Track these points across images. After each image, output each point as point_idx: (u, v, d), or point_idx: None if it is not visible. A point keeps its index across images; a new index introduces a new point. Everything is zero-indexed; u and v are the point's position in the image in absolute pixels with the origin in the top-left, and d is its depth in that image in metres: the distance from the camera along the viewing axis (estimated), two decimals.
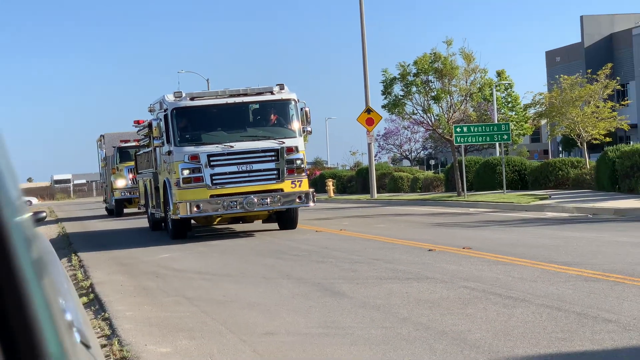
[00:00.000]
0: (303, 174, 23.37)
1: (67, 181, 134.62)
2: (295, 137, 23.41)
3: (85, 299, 13.42)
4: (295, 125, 23.56)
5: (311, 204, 23.37)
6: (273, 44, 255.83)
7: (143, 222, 32.41)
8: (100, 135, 49.24)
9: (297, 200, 23.03)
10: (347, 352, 8.46)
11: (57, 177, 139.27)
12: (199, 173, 22.66)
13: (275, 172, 23.02)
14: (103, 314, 11.87)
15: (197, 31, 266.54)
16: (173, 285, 14.64)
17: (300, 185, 23.17)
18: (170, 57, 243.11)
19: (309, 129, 23.85)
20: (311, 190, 23.54)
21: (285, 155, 22.98)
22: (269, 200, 22.73)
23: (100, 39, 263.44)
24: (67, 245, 25.19)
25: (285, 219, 24.77)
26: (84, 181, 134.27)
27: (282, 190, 22.99)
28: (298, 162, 23.17)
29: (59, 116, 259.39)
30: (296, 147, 23.23)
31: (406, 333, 9.14)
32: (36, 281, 1.05)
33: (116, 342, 9.56)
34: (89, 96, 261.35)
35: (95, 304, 13.02)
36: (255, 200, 22.61)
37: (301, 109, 23.66)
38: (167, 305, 12.44)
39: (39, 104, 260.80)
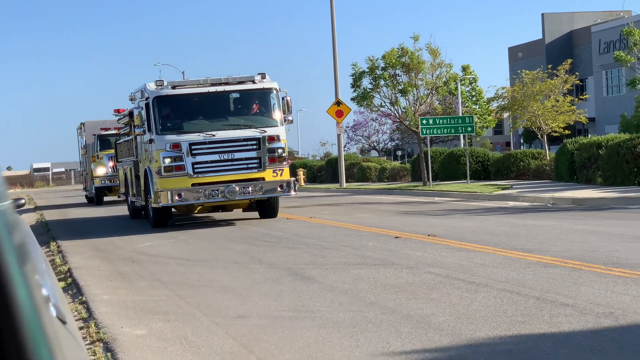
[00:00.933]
0: (284, 162, 23.14)
1: (46, 169, 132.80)
2: (276, 126, 23.14)
3: (63, 283, 13.48)
4: (277, 114, 23.30)
5: (292, 192, 23.16)
6: (244, 37, 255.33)
7: (123, 210, 31.90)
8: (81, 123, 47.97)
9: (279, 189, 22.79)
10: (316, 334, 8.63)
11: (36, 165, 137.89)
12: (181, 161, 22.33)
13: (256, 160, 22.75)
14: (80, 297, 11.99)
15: (173, 23, 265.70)
16: (149, 270, 14.77)
17: (281, 174, 22.92)
18: (147, 49, 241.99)
19: (290, 118, 23.50)
20: (292, 179, 23.27)
21: (267, 144, 22.69)
22: (250, 189, 22.46)
23: (81, 27, 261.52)
24: (45, 231, 24.98)
25: (266, 208, 24.53)
26: (62, 169, 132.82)
27: (263, 179, 22.74)
28: (279, 151, 22.93)
29: (38, 105, 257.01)
30: (277, 136, 22.95)
31: (373, 316, 9.34)
32: (18, 267, 1.03)
33: (93, 325, 9.71)
34: (69, 85, 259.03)
35: (73, 288, 13.12)
36: (237, 189, 22.32)
37: (282, 98, 23.37)
38: (142, 289, 12.61)
39: (18, 93, 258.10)
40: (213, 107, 23.24)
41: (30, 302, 0.98)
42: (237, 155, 22.70)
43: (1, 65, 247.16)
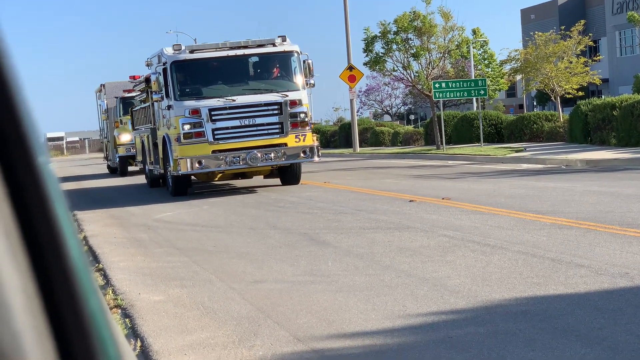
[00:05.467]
0: (307, 127, 22.42)
1: (60, 139, 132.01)
2: (298, 90, 22.49)
3: None
4: (298, 78, 22.64)
5: (316, 158, 22.54)
6: (256, 3, 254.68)
7: (142, 179, 31.37)
8: (101, 85, 44.57)
9: (302, 154, 22.27)
10: (333, 298, 8.68)
11: (49, 134, 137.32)
12: (200, 128, 21.72)
13: (278, 126, 22.10)
14: (97, 265, 12.04)
15: None
16: (165, 236, 14.77)
17: (304, 140, 22.28)
18: (159, 17, 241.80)
19: (312, 81, 22.80)
20: (316, 144, 22.62)
21: (289, 109, 22.03)
22: (272, 155, 21.95)
23: None
24: None
25: (288, 174, 23.88)
26: (77, 138, 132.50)
27: (285, 144, 22.13)
28: (302, 115, 22.23)
29: (51, 74, 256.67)
30: (300, 100, 22.29)
31: (389, 280, 9.38)
32: (67, 214, 1.04)
33: (110, 292, 9.78)
34: (82, 54, 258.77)
35: (89, 256, 13.16)
36: (259, 155, 21.81)
37: (304, 62, 22.71)
38: (159, 255, 12.64)
39: (27, 61, 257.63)
40: (233, 71, 22.59)
41: (79, 249, 0.99)
42: (258, 120, 22.04)
43: (9, 33, 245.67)
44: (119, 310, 8.87)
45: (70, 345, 0.93)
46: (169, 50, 22.62)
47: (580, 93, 40.70)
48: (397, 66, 41.37)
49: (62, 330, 0.93)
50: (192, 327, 8.01)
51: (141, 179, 31.60)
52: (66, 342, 0.93)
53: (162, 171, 24.59)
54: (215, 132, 21.93)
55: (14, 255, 0.91)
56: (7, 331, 0.87)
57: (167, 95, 22.34)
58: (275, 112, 22.17)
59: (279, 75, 22.99)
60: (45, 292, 0.93)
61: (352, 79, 44.75)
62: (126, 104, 37.53)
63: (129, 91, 35.96)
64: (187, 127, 21.81)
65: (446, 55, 40.82)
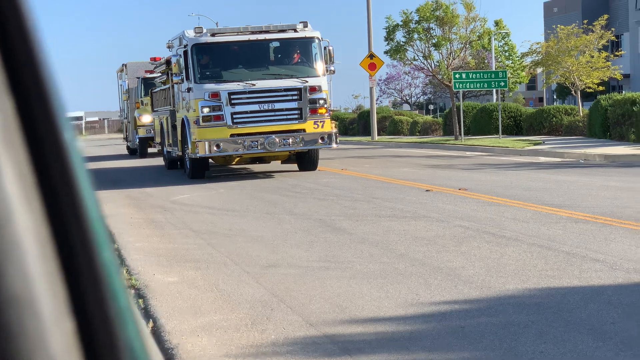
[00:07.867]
0: (326, 114, 22.50)
1: (79, 118, 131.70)
2: (318, 76, 22.55)
3: None
4: (319, 64, 22.70)
5: (334, 145, 22.60)
6: None
7: (159, 161, 31.60)
8: (122, 65, 44.05)
9: (320, 141, 22.30)
10: (347, 284, 8.69)
11: (69, 114, 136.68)
12: (220, 111, 21.76)
13: (297, 111, 22.16)
14: (112, 244, 12.14)
15: None
16: (181, 218, 14.82)
17: (322, 126, 22.35)
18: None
19: (332, 68, 22.76)
20: (334, 131, 22.67)
21: (308, 95, 22.11)
22: (290, 140, 22.00)
23: None
24: None
25: (305, 160, 23.90)
26: (96, 118, 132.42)
27: (304, 130, 22.20)
28: (321, 101, 22.32)
29: (69, 54, 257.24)
30: (319, 87, 22.36)
31: (403, 268, 9.39)
32: (87, 178, 1.02)
33: (125, 272, 9.80)
34: (103, 33, 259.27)
35: None
36: (277, 140, 21.87)
37: (324, 48, 22.75)
38: (174, 237, 12.69)
39: (49, 39, 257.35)
40: (253, 56, 22.66)
41: (94, 199, 0.99)
42: (278, 105, 22.12)
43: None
44: (133, 291, 8.90)
45: (82, 292, 0.94)
46: (190, 33, 22.67)
47: (600, 88, 40.48)
48: (417, 55, 41.36)
49: (74, 277, 0.94)
50: (205, 309, 8.05)
51: (160, 161, 31.68)
52: (78, 289, 0.94)
53: (180, 153, 24.70)
54: (234, 116, 22.00)
55: (27, 198, 0.92)
56: (19, 274, 0.88)
57: (187, 78, 22.43)
58: (295, 97, 22.21)
59: (299, 61, 23.00)
60: (58, 238, 0.94)
61: (372, 67, 44.73)
62: (148, 84, 37.35)
63: (151, 72, 35.71)
64: (206, 110, 21.89)
65: (467, 46, 40.73)
